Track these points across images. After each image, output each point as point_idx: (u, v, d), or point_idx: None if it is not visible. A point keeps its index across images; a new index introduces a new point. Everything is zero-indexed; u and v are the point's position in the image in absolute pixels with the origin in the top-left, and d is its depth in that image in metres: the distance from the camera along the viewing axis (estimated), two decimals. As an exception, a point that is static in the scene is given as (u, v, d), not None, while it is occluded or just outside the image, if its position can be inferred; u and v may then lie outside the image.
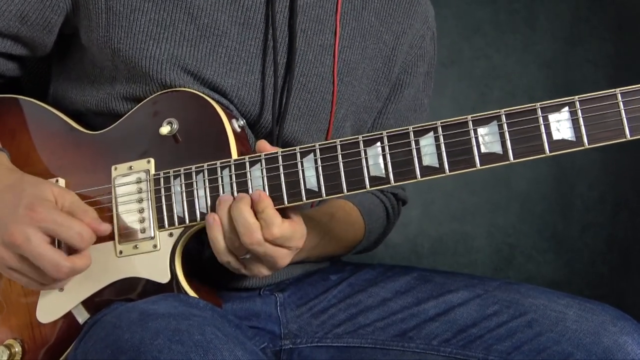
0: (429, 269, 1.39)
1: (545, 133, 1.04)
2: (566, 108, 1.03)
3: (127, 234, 1.19)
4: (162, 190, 1.18)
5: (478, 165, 1.06)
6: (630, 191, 2.96)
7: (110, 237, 1.19)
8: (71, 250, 1.15)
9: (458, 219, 3.02)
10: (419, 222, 2.99)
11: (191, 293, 1.17)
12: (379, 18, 1.37)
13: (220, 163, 1.15)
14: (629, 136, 1.02)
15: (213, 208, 1.15)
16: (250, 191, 1.13)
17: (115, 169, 1.21)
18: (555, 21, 3.02)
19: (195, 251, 1.21)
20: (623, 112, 1.01)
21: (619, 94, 1.02)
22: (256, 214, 1.10)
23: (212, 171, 1.16)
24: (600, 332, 1.16)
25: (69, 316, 1.21)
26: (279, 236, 1.10)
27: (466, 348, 1.25)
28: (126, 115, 1.24)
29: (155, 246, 1.18)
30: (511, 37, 3.03)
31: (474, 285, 1.30)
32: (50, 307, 1.21)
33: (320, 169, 1.11)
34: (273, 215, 1.10)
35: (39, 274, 1.13)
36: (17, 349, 1.22)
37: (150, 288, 1.17)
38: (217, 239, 1.12)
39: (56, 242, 1.15)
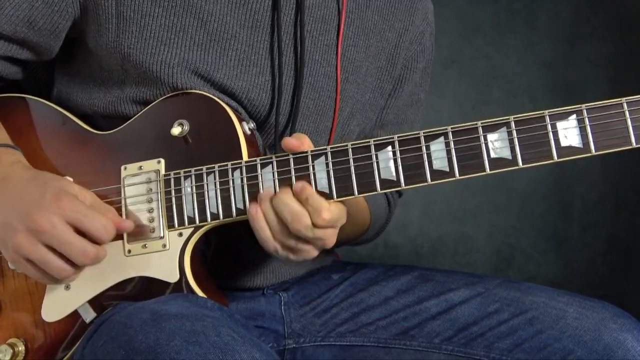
0: (429, 268, 1.39)
1: (554, 140, 1.06)
2: (574, 116, 1.05)
3: (136, 234, 1.19)
4: (173, 190, 1.18)
5: (488, 170, 1.08)
6: (630, 192, 2.96)
7: (119, 236, 1.19)
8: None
9: (458, 219, 3.02)
10: (419, 222, 3.00)
11: (200, 293, 1.17)
12: (382, 16, 1.38)
13: (232, 164, 1.16)
14: (634, 144, 1.04)
15: (224, 208, 1.15)
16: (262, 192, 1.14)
17: (125, 168, 1.21)
18: (556, 21, 3.03)
19: (200, 252, 1.22)
20: (629, 120, 1.04)
21: (625, 103, 1.04)
22: (301, 203, 1.10)
23: (223, 172, 1.16)
24: (601, 329, 1.17)
25: (74, 315, 1.20)
26: (329, 219, 1.10)
27: (468, 346, 1.26)
28: (136, 116, 1.24)
29: (164, 246, 1.18)
30: (511, 37, 3.03)
31: (474, 284, 1.31)
32: (56, 306, 1.21)
33: (331, 172, 1.12)
34: (319, 200, 1.10)
35: (62, 262, 1.12)
36: (20, 348, 1.21)
37: (158, 287, 1.17)
38: (263, 228, 1.12)
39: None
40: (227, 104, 1.22)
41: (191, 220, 1.17)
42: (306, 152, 1.13)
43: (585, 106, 1.05)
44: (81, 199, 1.14)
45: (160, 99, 1.23)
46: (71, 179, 1.23)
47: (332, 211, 1.11)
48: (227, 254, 1.30)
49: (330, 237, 1.13)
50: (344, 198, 1.12)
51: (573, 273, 2.98)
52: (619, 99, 1.04)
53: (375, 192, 1.11)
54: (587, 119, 1.05)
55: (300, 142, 1.14)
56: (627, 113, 1.04)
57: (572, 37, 3.02)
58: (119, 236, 1.19)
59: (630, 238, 2.95)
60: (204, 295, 1.17)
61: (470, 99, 3.02)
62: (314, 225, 1.10)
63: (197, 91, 1.22)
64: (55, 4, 1.23)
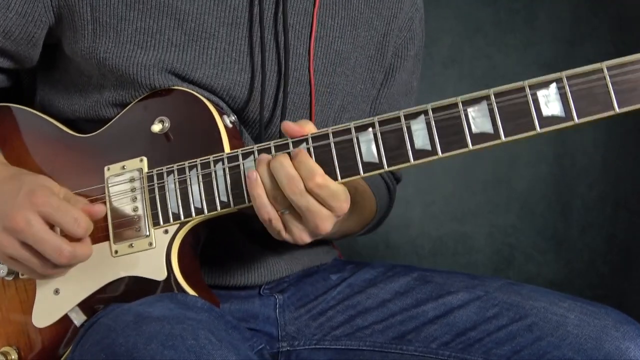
0: (429, 269, 1.38)
1: (535, 110, 1.04)
2: (554, 84, 1.04)
3: (122, 234, 1.19)
4: (156, 187, 1.18)
5: (470, 145, 1.06)
6: (630, 191, 2.95)
7: (105, 237, 1.20)
8: (71, 240, 1.14)
9: (458, 219, 3.01)
10: (419, 222, 2.99)
11: (188, 289, 1.16)
12: (368, 5, 1.37)
13: (213, 157, 1.15)
14: (617, 109, 1.02)
15: (208, 202, 1.15)
16: (245, 186, 1.13)
17: (108, 169, 1.21)
18: (556, 21, 3.02)
19: (189, 248, 1.21)
20: (610, 85, 1.01)
21: (605, 68, 1.02)
22: (296, 165, 1.08)
23: (205, 165, 1.16)
24: (602, 337, 1.14)
25: (65, 319, 1.20)
26: (322, 184, 1.07)
27: (465, 352, 1.24)
28: (117, 117, 1.24)
29: (150, 244, 1.18)
30: (511, 37, 3.02)
31: (474, 287, 1.29)
32: (46, 311, 1.20)
33: (313, 157, 1.10)
34: (314, 164, 1.08)
35: (40, 260, 1.12)
36: (13, 357, 1.21)
37: (147, 286, 1.17)
38: (259, 195, 1.10)
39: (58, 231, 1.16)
40: (207, 98, 1.21)
41: (176, 217, 1.17)
42: (286, 139, 1.12)
43: (565, 74, 1.03)
44: (56, 190, 1.14)
45: (140, 97, 1.23)
46: (56, 184, 1.22)
47: (326, 178, 1.08)
48: (219, 250, 1.29)
49: (323, 218, 1.09)
50: None
51: (573, 273, 2.97)
52: (599, 64, 1.02)
53: (358, 176, 1.10)
54: (567, 86, 1.03)
55: (300, 127, 1.12)
56: (607, 78, 1.01)
57: (572, 37, 3.01)
58: (105, 237, 1.19)
59: (630, 238, 2.94)
60: (194, 293, 1.16)
61: (470, 98, 3.01)
62: (307, 191, 1.07)
63: (177, 87, 1.22)
64: (28, 14, 1.23)
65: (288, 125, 1.12)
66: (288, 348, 1.35)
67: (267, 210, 1.10)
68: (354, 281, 1.38)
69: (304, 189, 1.07)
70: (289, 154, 1.10)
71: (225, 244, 1.30)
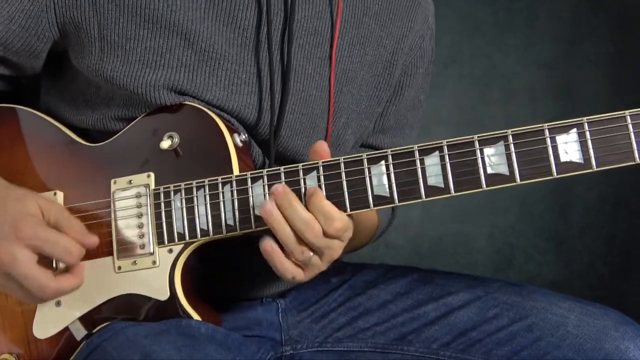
0: (429, 270, 1.38)
1: (553, 155, 1.02)
2: (574, 130, 1.01)
3: (125, 250, 1.17)
4: (162, 205, 1.16)
5: (484, 186, 1.04)
6: (630, 192, 2.95)
7: (108, 252, 1.17)
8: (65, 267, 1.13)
9: (458, 219, 3.02)
10: (419, 222, 2.99)
11: (191, 311, 1.15)
12: (379, 23, 1.33)
13: (222, 179, 1.13)
14: (638, 159, 1.00)
15: (214, 225, 1.13)
16: (252, 211, 1.11)
17: (115, 182, 1.19)
18: (555, 21, 3.02)
19: (193, 266, 1.19)
20: (632, 134, 0.99)
21: (629, 116, 0.99)
22: (310, 208, 1.07)
23: (213, 187, 1.13)
24: (602, 337, 1.15)
25: (66, 332, 1.18)
26: (340, 228, 1.07)
27: (466, 352, 1.24)
28: (126, 128, 1.22)
29: (154, 262, 1.15)
30: (511, 36, 3.03)
31: (474, 287, 1.29)
32: (47, 323, 1.19)
33: (323, 187, 1.08)
34: (331, 207, 1.07)
35: (24, 293, 1.10)
36: (12, 365, 1.21)
37: (149, 305, 1.15)
38: (282, 262, 1.09)
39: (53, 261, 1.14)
40: (218, 115, 1.19)
41: (181, 237, 1.14)
42: (297, 166, 1.10)
43: (587, 119, 1.01)
44: (46, 215, 1.11)
45: (151, 110, 1.20)
46: (61, 193, 1.21)
47: (343, 220, 1.07)
48: (223, 264, 1.28)
49: (338, 248, 1.09)
50: None
51: (573, 273, 2.98)
52: (622, 112, 1.00)
53: (368, 209, 1.08)
54: (588, 132, 1.00)
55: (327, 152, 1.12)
56: (630, 127, 0.99)
57: (572, 37, 3.01)
58: (108, 252, 1.17)
59: (630, 238, 2.94)
60: (196, 314, 1.15)
61: (470, 98, 3.01)
62: (324, 234, 1.07)
63: (188, 102, 1.19)
64: (32, 28, 1.20)
65: (322, 147, 1.11)
66: (291, 352, 1.35)
67: (290, 271, 1.10)
68: (355, 283, 1.37)
69: (321, 232, 1.06)
70: (299, 190, 1.08)
71: (230, 258, 1.28)
